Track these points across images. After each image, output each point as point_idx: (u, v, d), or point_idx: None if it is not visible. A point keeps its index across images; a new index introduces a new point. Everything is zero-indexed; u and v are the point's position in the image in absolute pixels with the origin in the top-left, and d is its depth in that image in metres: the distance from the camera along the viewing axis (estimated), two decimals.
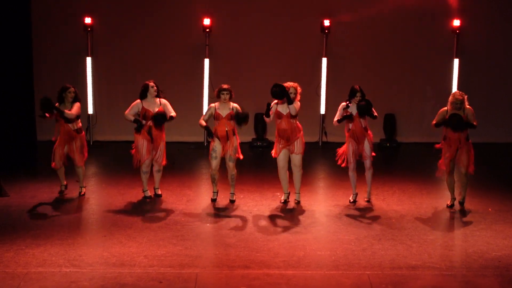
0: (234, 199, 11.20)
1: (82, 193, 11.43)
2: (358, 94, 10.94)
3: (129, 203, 11.11)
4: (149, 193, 11.35)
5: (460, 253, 9.03)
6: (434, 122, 10.82)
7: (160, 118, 10.91)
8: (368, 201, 11.23)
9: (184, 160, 13.67)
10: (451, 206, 11.01)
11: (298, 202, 11.15)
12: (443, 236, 9.80)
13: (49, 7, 15.99)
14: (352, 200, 11.26)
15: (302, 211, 10.81)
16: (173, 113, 11.07)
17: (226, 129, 10.84)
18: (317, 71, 16.21)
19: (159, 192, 11.41)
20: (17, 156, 13.65)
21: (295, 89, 10.83)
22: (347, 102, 10.99)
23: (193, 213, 10.64)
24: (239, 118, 10.75)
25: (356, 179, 11.26)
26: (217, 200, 11.26)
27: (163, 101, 11.12)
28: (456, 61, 16.18)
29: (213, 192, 11.27)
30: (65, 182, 11.53)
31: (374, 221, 10.33)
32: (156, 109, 10.99)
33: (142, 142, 11.05)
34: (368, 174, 11.15)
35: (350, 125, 11.00)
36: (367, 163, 11.07)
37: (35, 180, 12.12)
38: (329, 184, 12.59)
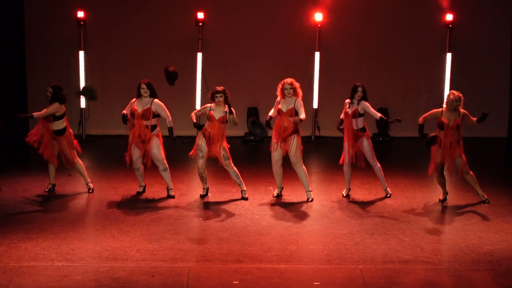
0: (246, 196, 11.12)
1: (90, 190, 11.34)
2: (360, 89, 10.91)
3: (122, 197, 11.10)
4: (141, 188, 11.30)
5: (452, 247, 9.05)
6: (421, 120, 10.75)
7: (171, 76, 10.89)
8: (388, 195, 11.23)
9: (177, 154, 13.65)
10: (443, 201, 11.03)
11: (309, 200, 11.06)
12: (435, 230, 9.82)
13: (42, 1, 15.94)
14: (344, 195, 11.28)
15: (294, 205, 10.82)
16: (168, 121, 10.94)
17: (217, 133, 10.74)
18: (310, 65, 16.20)
19: (172, 193, 11.19)
20: (10, 150, 13.62)
21: (291, 85, 10.72)
22: (350, 100, 10.96)
23: (186, 207, 10.64)
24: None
25: (351, 174, 11.27)
26: (208, 196, 11.26)
27: (157, 101, 10.88)
28: (448, 56, 16.21)
29: (203, 188, 11.23)
30: (54, 182, 11.40)
31: (366, 216, 10.35)
32: (140, 109, 10.83)
33: (132, 140, 10.89)
34: (375, 170, 11.15)
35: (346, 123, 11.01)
36: (369, 161, 11.07)
37: (28, 174, 12.10)
38: (322, 178, 12.60)
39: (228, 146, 10.91)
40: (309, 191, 11.10)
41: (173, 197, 11.10)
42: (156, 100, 10.90)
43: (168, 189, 11.21)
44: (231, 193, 11.34)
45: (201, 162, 10.89)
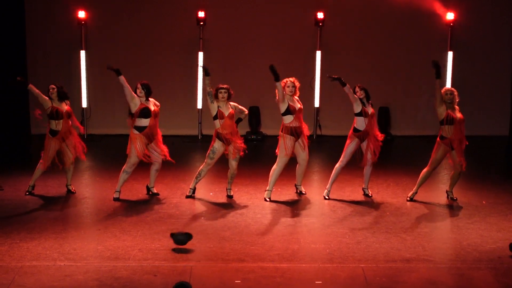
0: (232, 194, 11.15)
1: (73, 190, 11.33)
2: (357, 88, 10.82)
3: (124, 197, 11.08)
4: (118, 194, 10.99)
5: (454, 246, 9.05)
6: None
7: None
8: (367, 194, 11.22)
9: (178, 153, 13.65)
10: (411, 199, 11.00)
11: (303, 193, 11.29)
12: (437, 229, 9.83)
13: (43, 1, 15.95)
14: (326, 197, 11.13)
15: (296, 204, 10.82)
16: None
17: (230, 130, 10.71)
18: (311, 64, 16.20)
19: (155, 190, 11.24)
20: (11, 149, 13.62)
21: (293, 83, 10.73)
22: (361, 101, 10.83)
23: (188, 207, 10.64)
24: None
25: (338, 177, 11.23)
26: (213, 194, 11.26)
27: (153, 100, 10.85)
28: (450, 54, 16.21)
29: (190, 188, 11.09)
30: (34, 183, 11.28)
31: (368, 214, 10.35)
32: (152, 108, 10.73)
33: (139, 143, 10.70)
34: (368, 169, 11.11)
35: (365, 124, 10.86)
36: (368, 159, 10.99)
37: (29, 173, 12.05)
38: (323, 177, 12.57)
39: (244, 147, 10.90)
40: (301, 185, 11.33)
41: (157, 194, 11.17)
42: (151, 99, 10.86)
43: (150, 187, 11.24)
44: (232, 191, 11.32)
45: (208, 161, 10.86)
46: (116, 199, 10.91)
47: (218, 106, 10.73)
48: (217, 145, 10.80)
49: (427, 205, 10.86)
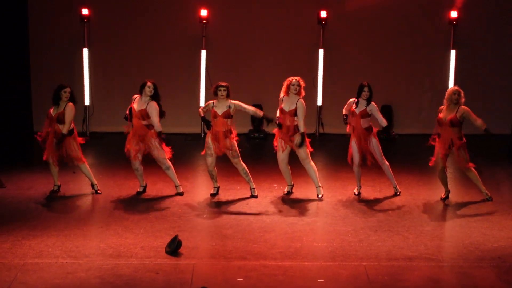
0: (256, 194, 11.05)
1: (99, 191, 11.19)
2: (366, 89, 10.86)
3: (126, 195, 11.10)
4: (142, 188, 11.18)
5: (457, 244, 9.05)
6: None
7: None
8: (397, 193, 11.21)
9: (181, 151, 13.66)
10: (445, 199, 11.00)
11: (319, 196, 11.02)
12: (440, 227, 9.82)
13: None
14: (356, 193, 11.24)
15: (298, 203, 10.82)
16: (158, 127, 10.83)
17: (223, 129, 10.69)
18: (314, 63, 16.18)
19: (180, 190, 11.17)
20: (14, 147, 13.62)
21: (298, 82, 10.72)
22: (356, 99, 10.88)
23: (190, 205, 10.64)
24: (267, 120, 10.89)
25: (361, 173, 11.22)
26: (218, 194, 11.27)
27: (153, 104, 10.75)
28: (453, 53, 16.17)
29: (214, 187, 11.17)
30: (58, 183, 11.27)
31: (370, 212, 10.34)
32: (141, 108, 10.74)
33: (131, 140, 10.87)
34: (384, 169, 11.10)
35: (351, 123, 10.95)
36: (378, 159, 11.02)
37: (32, 171, 12.11)
38: (326, 175, 12.58)
39: (237, 139, 10.85)
40: (319, 186, 11.07)
41: (181, 194, 11.10)
42: (152, 102, 10.80)
43: (175, 187, 11.21)
44: (235, 190, 11.34)
45: (209, 160, 10.85)
46: (139, 193, 11.14)
47: (213, 105, 10.72)
48: (209, 140, 10.79)
49: (429, 203, 10.86)
